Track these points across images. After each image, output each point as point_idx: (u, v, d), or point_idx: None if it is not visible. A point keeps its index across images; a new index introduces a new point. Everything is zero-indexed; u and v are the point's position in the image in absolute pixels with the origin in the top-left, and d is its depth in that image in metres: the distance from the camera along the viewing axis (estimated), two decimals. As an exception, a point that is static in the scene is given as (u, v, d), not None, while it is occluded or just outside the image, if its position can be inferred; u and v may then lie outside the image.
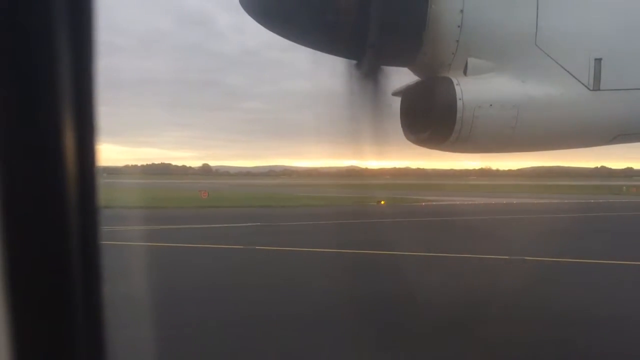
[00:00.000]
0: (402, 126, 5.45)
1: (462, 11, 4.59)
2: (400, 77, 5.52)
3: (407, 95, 5.56)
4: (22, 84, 0.90)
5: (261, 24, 4.82)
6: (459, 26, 4.64)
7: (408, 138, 5.43)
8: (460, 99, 4.75)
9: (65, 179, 0.94)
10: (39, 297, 0.94)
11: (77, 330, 0.99)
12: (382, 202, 38.73)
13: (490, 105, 4.82)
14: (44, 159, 0.93)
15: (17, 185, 0.90)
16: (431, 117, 5.09)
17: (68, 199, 0.95)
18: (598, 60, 4.79)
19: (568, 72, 4.80)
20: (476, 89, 4.81)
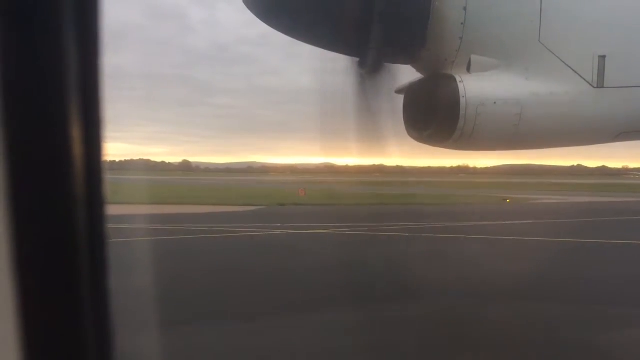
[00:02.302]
0: (405, 124, 5.43)
1: (465, 8, 4.58)
2: (404, 74, 5.51)
3: (411, 92, 5.54)
4: (28, 80, 0.90)
5: (264, 22, 4.81)
6: (462, 23, 4.63)
7: (411, 135, 5.42)
8: (463, 97, 4.73)
9: (72, 174, 0.94)
10: (47, 291, 0.94)
11: (85, 324, 0.99)
12: (508, 201, 37.97)
13: (494, 102, 4.80)
14: (51, 154, 0.93)
15: (24, 181, 0.90)
16: (434, 114, 5.09)
17: (75, 194, 0.95)
18: (602, 58, 4.77)
19: (572, 69, 4.79)
20: (479, 86, 4.80)
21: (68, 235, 0.95)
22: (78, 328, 0.99)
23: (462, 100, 4.73)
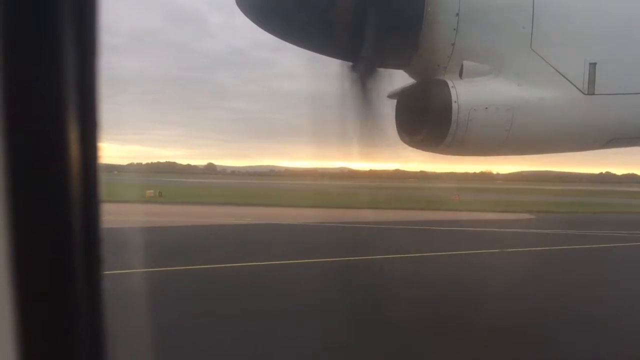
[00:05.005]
0: (398, 128, 5.45)
1: (458, 14, 4.61)
2: (396, 79, 5.53)
3: (403, 97, 5.56)
4: (26, 81, 0.91)
5: (257, 25, 4.81)
6: (454, 29, 4.65)
7: (403, 140, 5.44)
8: (455, 102, 4.76)
9: (69, 175, 0.95)
10: (43, 292, 0.95)
11: (80, 323, 1.01)
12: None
13: (486, 108, 4.83)
14: (48, 155, 0.94)
15: (21, 181, 0.90)
16: (426, 119, 5.10)
17: (72, 194, 0.96)
18: (593, 65, 4.81)
19: (563, 76, 4.82)
20: (471, 91, 4.82)
21: (64, 235, 0.96)
22: (73, 327, 1.00)
23: (454, 106, 4.75)
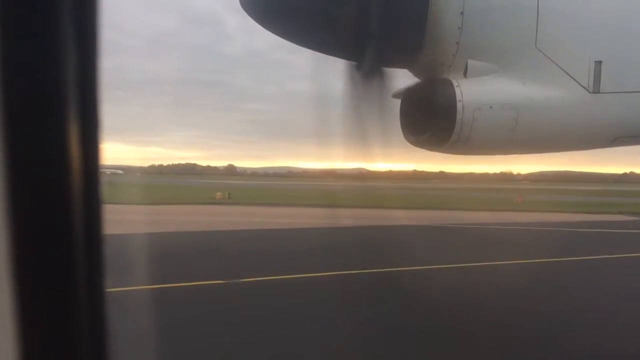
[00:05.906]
0: (402, 128, 5.45)
1: (462, 13, 4.60)
2: (401, 78, 5.54)
3: (407, 96, 5.56)
4: (28, 82, 0.91)
5: (261, 25, 4.83)
6: (459, 28, 4.65)
7: (408, 140, 5.43)
8: (460, 101, 4.75)
9: (70, 177, 0.95)
10: (44, 293, 0.95)
11: (81, 325, 1.01)
12: None
13: (490, 107, 4.82)
14: (49, 156, 0.94)
15: (22, 183, 0.91)
16: (431, 118, 5.10)
17: (73, 196, 0.96)
18: (598, 63, 4.78)
19: (568, 74, 4.80)
20: (476, 90, 4.81)
21: (66, 235, 0.96)
22: (74, 328, 1.00)
23: (459, 105, 4.74)
